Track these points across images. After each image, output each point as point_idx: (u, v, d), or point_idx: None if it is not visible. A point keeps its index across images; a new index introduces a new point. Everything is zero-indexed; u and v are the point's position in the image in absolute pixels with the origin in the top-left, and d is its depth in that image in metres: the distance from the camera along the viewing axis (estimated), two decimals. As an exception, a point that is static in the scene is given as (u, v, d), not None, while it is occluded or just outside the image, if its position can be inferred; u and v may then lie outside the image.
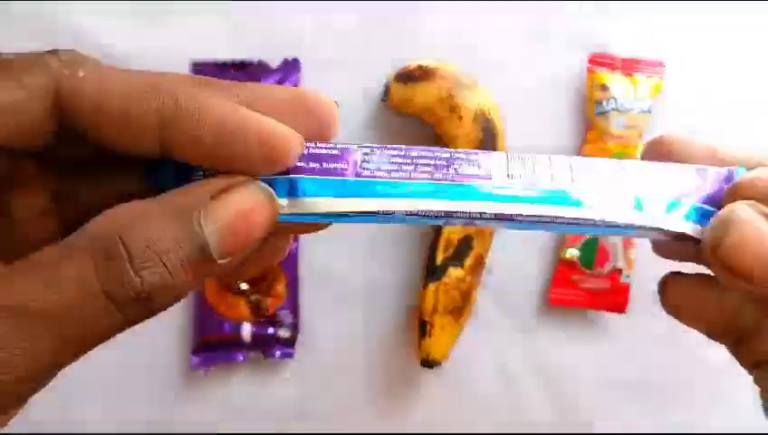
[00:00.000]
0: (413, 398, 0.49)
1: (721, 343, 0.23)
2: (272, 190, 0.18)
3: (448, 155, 0.21)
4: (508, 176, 0.21)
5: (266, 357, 0.47)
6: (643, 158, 0.24)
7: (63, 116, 0.17)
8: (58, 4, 0.46)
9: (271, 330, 0.47)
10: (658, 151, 0.23)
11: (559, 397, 0.49)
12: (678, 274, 0.23)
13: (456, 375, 0.49)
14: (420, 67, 0.45)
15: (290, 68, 0.47)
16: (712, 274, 0.21)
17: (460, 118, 0.44)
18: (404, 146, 0.21)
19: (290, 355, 0.47)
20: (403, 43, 0.48)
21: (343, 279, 0.48)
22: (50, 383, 0.18)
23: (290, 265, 0.47)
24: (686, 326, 0.24)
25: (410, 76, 0.45)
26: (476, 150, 0.22)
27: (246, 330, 0.47)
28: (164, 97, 0.17)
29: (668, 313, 0.23)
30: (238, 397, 0.48)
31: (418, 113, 0.46)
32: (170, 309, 0.55)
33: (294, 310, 0.47)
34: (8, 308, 0.15)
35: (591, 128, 0.48)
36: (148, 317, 0.17)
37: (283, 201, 0.19)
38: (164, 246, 0.16)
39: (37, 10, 0.46)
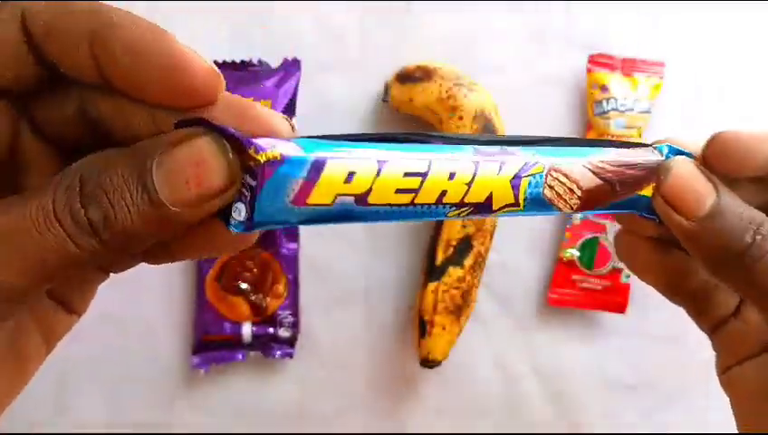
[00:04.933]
0: (413, 398, 0.49)
1: (679, 304, 0.26)
2: (226, 144, 0.18)
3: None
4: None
5: (266, 357, 0.47)
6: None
7: (30, 46, 0.18)
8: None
9: (271, 330, 0.47)
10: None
11: (559, 397, 0.49)
12: (632, 232, 0.26)
13: (455, 375, 0.49)
14: (420, 67, 0.45)
15: (290, 68, 0.47)
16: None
17: (460, 118, 0.44)
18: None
19: (290, 355, 0.47)
20: (403, 43, 0.48)
21: (343, 279, 0.48)
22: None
23: (290, 265, 0.47)
24: (670, 301, 0.26)
25: (410, 76, 0.45)
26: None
27: (246, 330, 0.47)
28: (98, 16, 0.18)
29: (623, 263, 0.27)
30: (238, 397, 0.48)
31: (418, 113, 0.46)
32: (170, 309, 0.55)
33: (294, 310, 0.47)
34: None
35: (591, 128, 0.48)
36: (104, 253, 0.18)
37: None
38: (113, 185, 0.17)
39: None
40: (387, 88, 0.46)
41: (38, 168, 0.20)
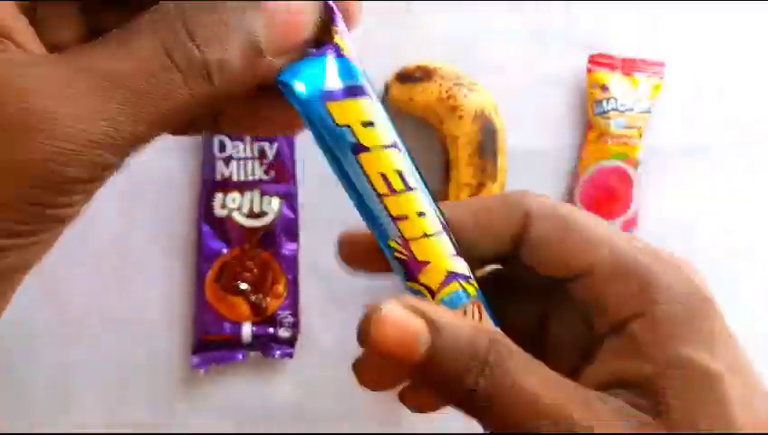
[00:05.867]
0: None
1: None
2: (320, 5, 0.20)
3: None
4: None
5: (266, 357, 0.47)
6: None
7: None
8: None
9: (271, 330, 0.47)
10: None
11: (559, 397, 0.49)
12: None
13: (455, 375, 0.49)
14: (420, 67, 0.45)
15: (290, 68, 0.47)
16: None
17: (460, 117, 0.44)
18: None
19: (290, 355, 0.47)
20: (403, 43, 0.48)
21: (343, 279, 0.48)
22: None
23: (290, 266, 0.47)
24: None
25: (410, 76, 0.45)
26: None
27: (246, 330, 0.47)
28: None
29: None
30: (238, 397, 0.48)
31: (419, 113, 0.46)
32: (171, 309, 0.54)
33: (294, 310, 0.47)
34: (88, 70, 0.16)
35: (591, 128, 0.48)
36: (211, 97, 0.18)
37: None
38: (220, 30, 0.17)
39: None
40: (387, 88, 0.46)
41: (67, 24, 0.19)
